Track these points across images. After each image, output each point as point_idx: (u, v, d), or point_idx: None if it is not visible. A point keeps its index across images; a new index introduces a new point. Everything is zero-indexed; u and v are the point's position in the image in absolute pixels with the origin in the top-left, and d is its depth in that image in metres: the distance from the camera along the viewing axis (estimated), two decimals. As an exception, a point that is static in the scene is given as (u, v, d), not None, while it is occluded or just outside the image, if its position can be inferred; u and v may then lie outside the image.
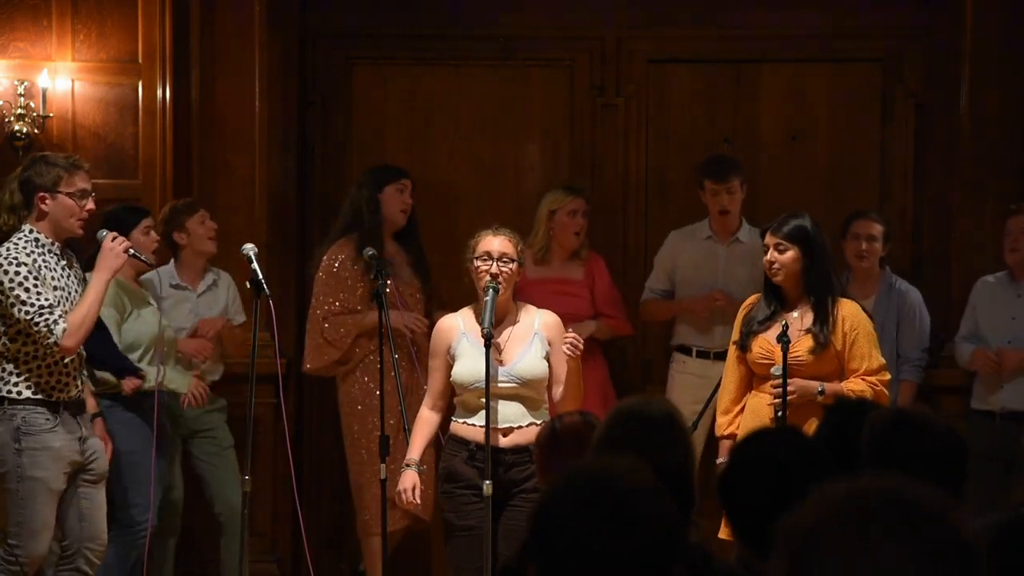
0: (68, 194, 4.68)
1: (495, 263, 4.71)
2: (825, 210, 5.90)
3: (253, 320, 4.94)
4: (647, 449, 2.71)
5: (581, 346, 4.67)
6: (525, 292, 5.75)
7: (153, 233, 5.49)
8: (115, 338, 5.21)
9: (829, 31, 6.41)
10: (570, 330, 4.78)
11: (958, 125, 6.14)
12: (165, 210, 5.82)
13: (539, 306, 4.96)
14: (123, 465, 5.26)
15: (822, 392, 4.68)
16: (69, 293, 4.70)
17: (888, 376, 4.86)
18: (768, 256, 4.82)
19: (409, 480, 4.80)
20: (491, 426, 4.60)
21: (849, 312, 4.79)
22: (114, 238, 4.75)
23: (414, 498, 4.81)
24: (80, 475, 4.79)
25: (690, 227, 6.16)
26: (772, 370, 4.72)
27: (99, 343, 5.01)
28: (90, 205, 4.75)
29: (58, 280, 4.67)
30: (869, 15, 6.38)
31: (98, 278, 4.67)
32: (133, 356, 5.30)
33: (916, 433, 2.99)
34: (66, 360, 4.68)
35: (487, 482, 4.49)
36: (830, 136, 6.47)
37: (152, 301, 5.54)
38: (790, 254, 4.78)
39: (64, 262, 4.75)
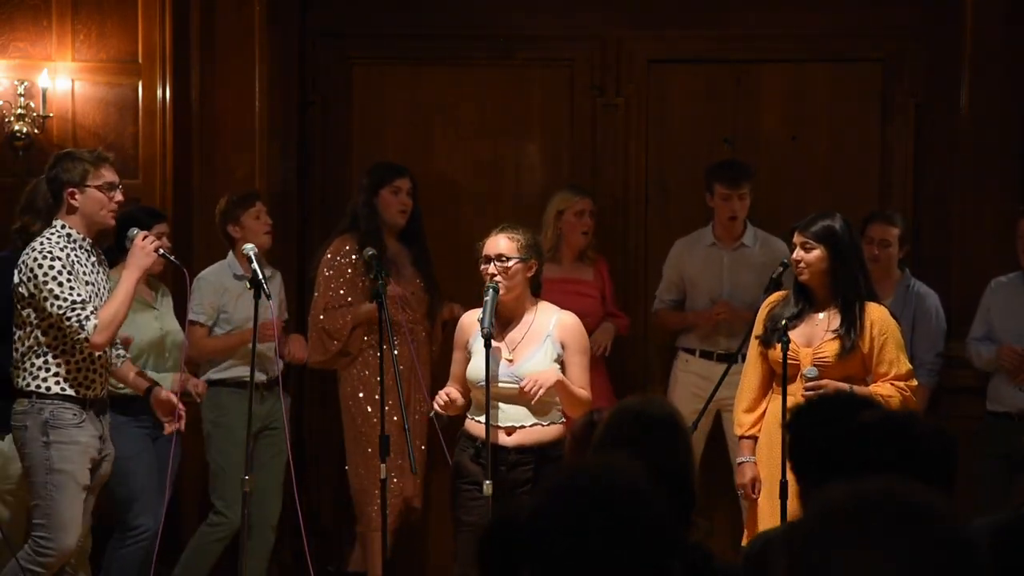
0: (97, 187, 4.71)
1: (492, 264, 4.72)
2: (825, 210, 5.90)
3: (254, 320, 4.95)
4: (647, 449, 2.72)
5: (540, 388, 4.62)
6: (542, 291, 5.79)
7: (165, 239, 5.48)
8: None
9: (829, 31, 6.40)
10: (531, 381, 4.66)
11: (958, 125, 6.14)
12: (222, 203, 5.80)
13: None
14: (119, 469, 5.23)
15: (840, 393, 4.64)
16: (99, 289, 4.74)
17: (916, 382, 4.82)
18: (795, 254, 4.78)
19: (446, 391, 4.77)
20: (496, 425, 4.63)
21: (878, 316, 4.74)
22: (144, 237, 4.78)
23: (445, 396, 4.73)
24: (93, 474, 4.78)
25: (694, 234, 6.18)
26: (804, 371, 4.69)
27: None
28: (119, 196, 4.78)
29: (89, 275, 4.71)
30: (869, 15, 6.38)
31: (128, 276, 4.70)
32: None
33: (906, 434, 2.99)
34: (95, 356, 4.71)
35: (487, 482, 4.50)
36: (830, 136, 6.47)
37: (156, 306, 5.52)
38: (816, 253, 4.73)
39: (94, 258, 4.79)
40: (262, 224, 5.76)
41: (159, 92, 6.13)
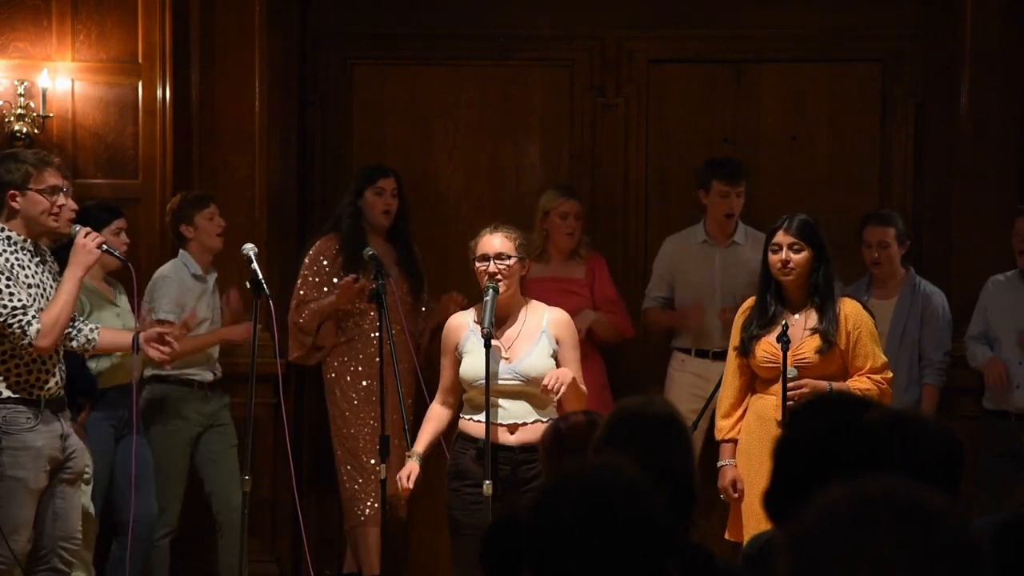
0: (38, 191, 4.60)
1: (492, 262, 4.72)
2: (825, 210, 5.89)
3: (253, 320, 4.94)
4: (647, 449, 2.71)
5: (562, 386, 4.58)
6: (527, 290, 5.77)
7: (124, 235, 5.47)
8: None
9: (829, 31, 6.41)
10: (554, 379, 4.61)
11: (958, 125, 6.15)
12: (174, 201, 5.80)
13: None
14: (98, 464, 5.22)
15: (831, 391, 4.63)
16: (44, 290, 4.65)
17: (891, 375, 4.82)
18: (781, 256, 4.74)
19: (408, 468, 4.78)
20: (498, 423, 4.63)
21: (851, 311, 4.76)
22: (87, 234, 4.66)
23: (408, 484, 4.77)
24: (58, 473, 4.70)
25: (685, 232, 6.19)
26: (789, 372, 4.68)
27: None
28: (61, 200, 4.64)
29: (32, 278, 4.62)
30: (869, 15, 6.38)
31: (71, 274, 4.60)
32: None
33: (913, 435, 2.99)
34: (44, 357, 4.63)
35: (487, 482, 4.50)
36: (830, 136, 6.47)
37: (119, 303, 5.49)
38: (805, 254, 4.72)
39: (38, 259, 4.69)
40: (215, 226, 5.77)
41: (159, 92, 6.12)
